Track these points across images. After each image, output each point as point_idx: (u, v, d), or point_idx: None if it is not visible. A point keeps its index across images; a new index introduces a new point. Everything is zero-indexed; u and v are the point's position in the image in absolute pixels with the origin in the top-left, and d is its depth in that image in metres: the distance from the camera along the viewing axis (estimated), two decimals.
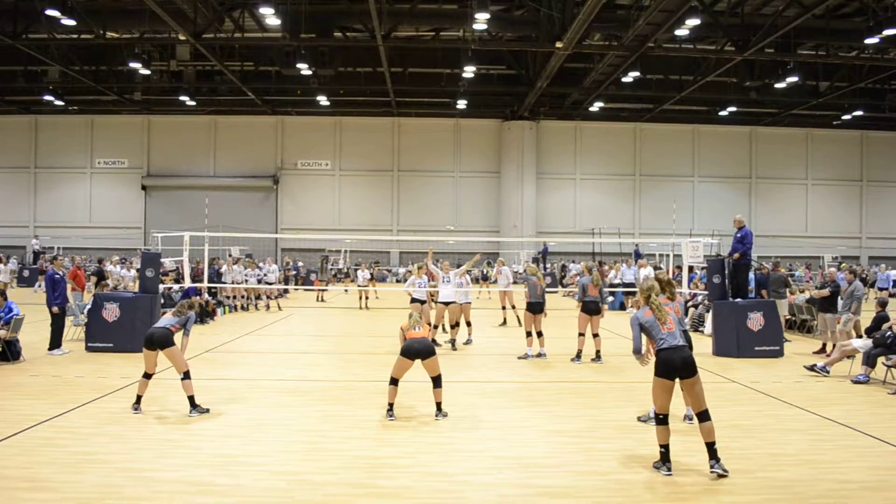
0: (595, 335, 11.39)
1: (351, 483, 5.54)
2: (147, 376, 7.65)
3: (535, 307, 11.67)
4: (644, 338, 6.23)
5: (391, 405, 7.62)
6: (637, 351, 6.22)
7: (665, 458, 5.87)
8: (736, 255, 12.71)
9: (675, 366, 5.86)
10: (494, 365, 11.38)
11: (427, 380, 7.71)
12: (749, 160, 39.78)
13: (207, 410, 7.63)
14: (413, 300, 13.01)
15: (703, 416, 5.75)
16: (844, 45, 27.18)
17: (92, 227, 38.00)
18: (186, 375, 7.60)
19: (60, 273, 12.15)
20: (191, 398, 7.58)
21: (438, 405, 7.67)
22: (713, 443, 5.72)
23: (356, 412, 7.88)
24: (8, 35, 25.05)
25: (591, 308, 11.33)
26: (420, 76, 32.85)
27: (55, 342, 11.73)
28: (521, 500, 5.28)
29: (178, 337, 7.77)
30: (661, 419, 5.91)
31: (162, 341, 7.51)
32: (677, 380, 5.89)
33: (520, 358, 11.71)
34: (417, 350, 7.56)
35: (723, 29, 24.49)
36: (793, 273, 29.74)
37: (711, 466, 5.67)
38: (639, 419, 7.60)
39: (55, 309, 11.70)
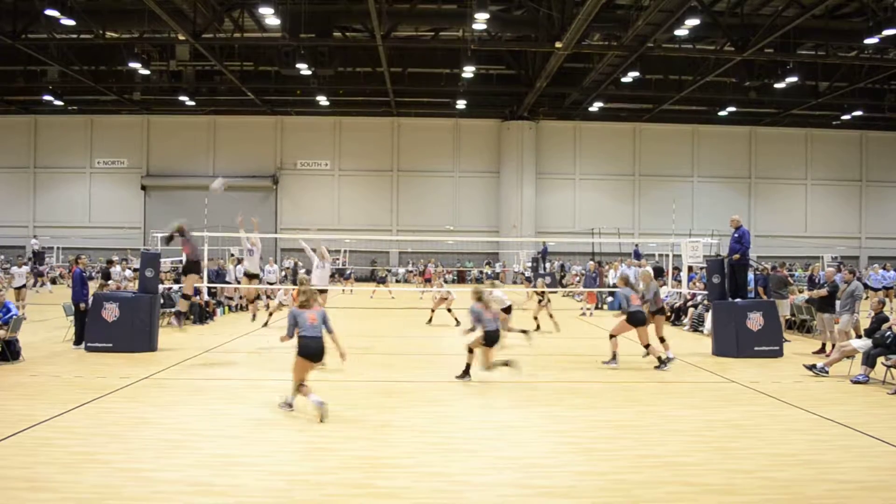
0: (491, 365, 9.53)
1: (350, 483, 5.54)
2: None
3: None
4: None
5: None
6: (471, 330, 9.29)
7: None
8: (736, 256, 12.71)
9: (496, 338, 9.26)
10: None
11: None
12: (748, 160, 39.78)
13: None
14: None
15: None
16: (844, 45, 27.18)
17: (91, 227, 37.97)
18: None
19: (86, 271, 12.71)
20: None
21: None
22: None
23: (356, 412, 7.88)
24: (8, 35, 25.04)
25: (492, 338, 9.48)
26: (419, 76, 32.85)
27: (81, 337, 12.06)
28: (520, 500, 5.28)
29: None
30: None
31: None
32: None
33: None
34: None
35: (722, 29, 24.49)
36: (792, 273, 29.74)
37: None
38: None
39: (82, 305, 12.13)
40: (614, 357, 10.99)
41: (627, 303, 10.83)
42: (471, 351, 9.56)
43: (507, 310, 13.62)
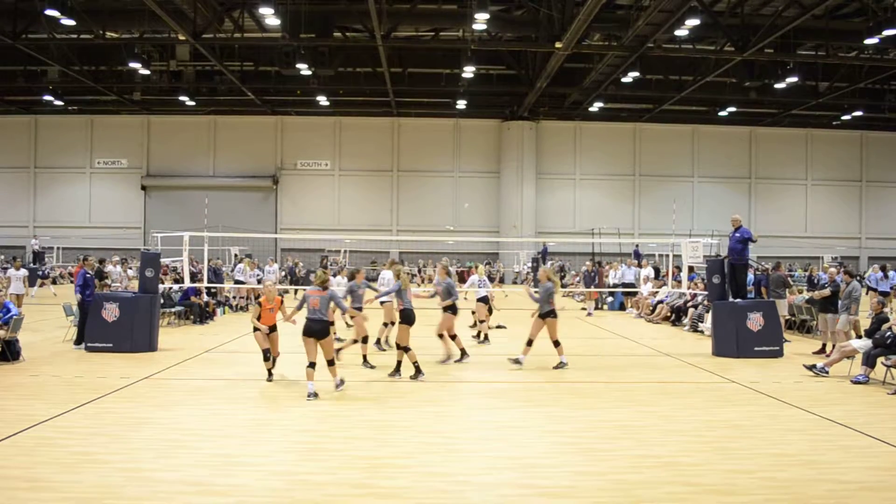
0: (404, 347, 9.84)
1: (350, 483, 5.54)
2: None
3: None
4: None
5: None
6: (390, 292, 10.43)
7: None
8: (746, 242, 12.66)
9: (411, 318, 9.76)
10: (493, 365, 11.38)
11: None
12: (749, 160, 39.75)
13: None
14: (478, 299, 14.12)
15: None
16: (844, 46, 27.15)
17: (92, 227, 37.94)
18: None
19: (90, 273, 12.69)
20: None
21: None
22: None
23: (356, 412, 7.88)
24: (8, 35, 25.01)
25: (409, 317, 9.93)
26: (420, 76, 32.84)
27: (82, 337, 12.09)
28: (520, 500, 5.28)
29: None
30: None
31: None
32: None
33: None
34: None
35: (722, 29, 24.47)
36: (792, 273, 29.74)
37: None
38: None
39: (86, 305, 12.16)
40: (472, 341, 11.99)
41: (449, 293, 11.26)
42: (407, 350, 9.74)
43: (483, 300, 13.75)
